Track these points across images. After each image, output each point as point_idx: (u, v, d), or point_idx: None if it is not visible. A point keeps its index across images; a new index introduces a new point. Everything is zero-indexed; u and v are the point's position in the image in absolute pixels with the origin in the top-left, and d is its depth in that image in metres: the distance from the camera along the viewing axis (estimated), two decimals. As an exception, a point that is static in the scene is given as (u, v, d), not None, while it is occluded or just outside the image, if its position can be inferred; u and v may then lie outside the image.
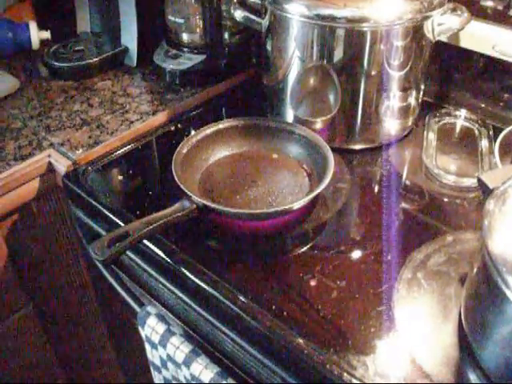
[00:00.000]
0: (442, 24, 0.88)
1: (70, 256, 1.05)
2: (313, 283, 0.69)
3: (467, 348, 0.61)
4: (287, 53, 0.88)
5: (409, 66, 0.88)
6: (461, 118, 0.99)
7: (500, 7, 0.93)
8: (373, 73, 0.86)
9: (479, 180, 0.64)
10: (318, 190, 0.76)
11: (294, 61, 0.88)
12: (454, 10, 0.89)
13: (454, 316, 0.64)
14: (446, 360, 0.61)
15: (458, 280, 0.69)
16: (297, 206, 0.74)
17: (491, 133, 0.95)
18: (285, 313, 0.65)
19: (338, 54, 0.84)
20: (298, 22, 0.84)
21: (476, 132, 0.96)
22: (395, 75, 0.88)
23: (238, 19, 0.93)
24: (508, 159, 0.84)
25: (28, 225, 0.95)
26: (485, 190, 0.63)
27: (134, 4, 1.09)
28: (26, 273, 0.99)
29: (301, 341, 0.62)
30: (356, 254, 0.74)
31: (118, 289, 0.80)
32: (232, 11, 0.93)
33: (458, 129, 0.99)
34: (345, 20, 0.80)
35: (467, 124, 0.99)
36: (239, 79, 1.14)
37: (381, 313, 0.65)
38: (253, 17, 0.92)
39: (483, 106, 1.01)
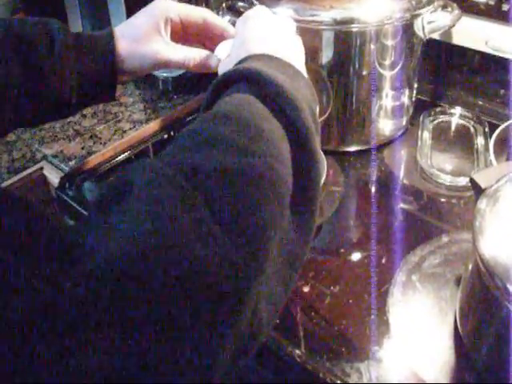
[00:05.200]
0: (433, 22, 0.86)
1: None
2: (306, 289, 0.68)
3: (463, 351, 0.60)
4: (277, 57, 0.87)
5: (400, 65, 0.87)
6: (456, 116, 0.98)
7: (492, 2, 0.91)
8: (364, 73, 0.85)
9: (471, 180, 0.63)
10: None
11: (283, 64, 0.87)
12: (444, 6, 0.88)
13: (450, 319, 0.64)
14: (442, 364, 0.60)
15: (453, 282, 0.68)
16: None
17: (487, 130, 0.93)
18: (277, 320, 0.64)
19: (328, 56, 0.84)
20: (286, 26, 0.83)
21: (472, 129, 0.95)
22: (387, 75, 0.87)
23: (226, 24, 0.93)
24: (504, 156, 0.83)
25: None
26: (477, 190, 0.62)
27: (125, 12, 1.09)
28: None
29: (293, 348, 0.61)
30: (350, 258, 0.74)
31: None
32: (221, 16, 0.93)
33: (453, 127, 0.97)
34: (333, 22, 0.79)
35: (462, 121, 0.97)
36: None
37: (375, 318, 0.64)
38: (241, 22, 0.91)
39: (479, 102, 1.00)
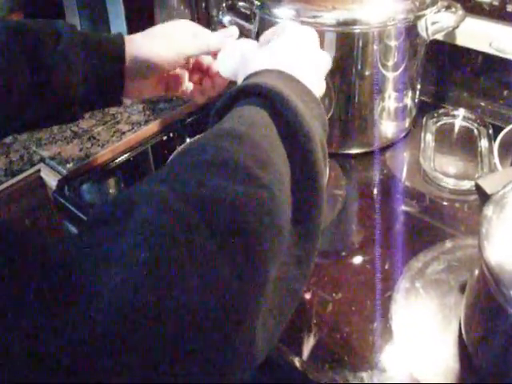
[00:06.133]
0: (436, 22, 0.85)
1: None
2: (308, 296, 0.67)
3: (467, 359, 0.59)
4: (278, 58, 0.86)
5: (403, 67, 0.86)
6: (459, 118, 0.97)
7: (496, 3, 0.90)
8: (366, 75, 0.84)
9: (477, 185, 0.62)
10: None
11: (284, 66, 0.86)
12: (448, 7, 0.86)
13: (454, 327, 0.62)
14: (446, 372, 0.59)
15: (457, 289, 0.67)
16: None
17: (491, 131, 0.92)
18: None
19: (330, 57, 0.82)
20: (288, 27, 0.82)
21: (475, 132, 0.94)
22: (390, 76, 0.86)
23: (226, 25, 0.91)
24: (508, 160, 0.82)
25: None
26: (483, 196, 0.61)
27: (123, 12, 1.08)
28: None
29: (295, 357, 0.60)
30: (353, 264, 0.72)
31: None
32: (221, 16, 0.92)
33: (456, 129, 0.96)
34: (335, 23, 0.78)
35: (466, 124, 0.96)
36: (234, 84, 1.12)
37: (378, 325, 0.63)
38: (242, 22, 0.90)
39: (482, 104, 0.99)
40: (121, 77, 0.65)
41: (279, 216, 0.39)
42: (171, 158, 0.81)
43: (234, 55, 0.64)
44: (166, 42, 0.66)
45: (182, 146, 0.86)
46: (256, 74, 0.51)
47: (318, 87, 0.56)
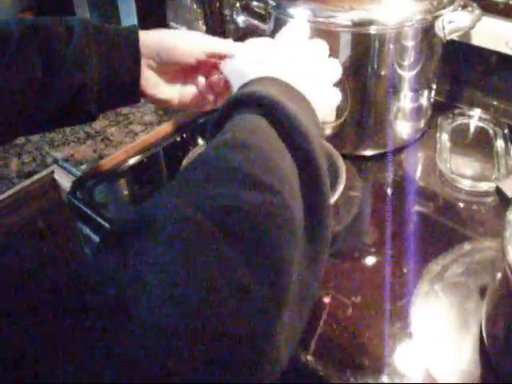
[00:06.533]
0: (453, 22, 0.84)
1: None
2: (327, 300, 0.66)
3: (489, 366, 0.58)
4: (293, 58, 0.85)
5: (419, 67, 0.85)
6: (474, 118, 0.96)
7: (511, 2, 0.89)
8: (382, 75, 0.83)
9: (497, 188, 0.62)
10: (331, 201, 0.73)
11: (300, 66, 0.85)
12: (464, 6, 0.85)
13: (474, 331, 0.62)
14: (467, 378, 0.58)
15: (477, 292, 0.66)
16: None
17: (506, 132, 0.91)
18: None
19: (346, 58, 0.82)
20: (303, 27, 0.81)
21: (491, 132, 0.93)
22: (406, 76, 0.85)
23: (240, 25, 0.91)
24: (525, 160, 0.81)
25: (35, 242, 0.93)
26: (503, 199, 0.60)
27: (135, 11, 1.07)
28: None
29: (315, 362, 0.59)
30: (371, 267, 0.72)
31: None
32: (235, 16, 0.91)
33: (472, 129, 0.95)
34: (351, 24, 0.77)
35: (481, 124, 0.95)
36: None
37: (398, 330, 0.62)
38: (256, 22, 0.89)
39: (497, 104, 0.98)
40: (136, 68, 0.63)
41: (292, 220, 0.40)
42: (181, 170, 0.80)
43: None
44: (181, 36, 0.66)
45: (190, 154, 0.85)
46: (251, 82, 0.51)
47: (321, 95, 0.56)
